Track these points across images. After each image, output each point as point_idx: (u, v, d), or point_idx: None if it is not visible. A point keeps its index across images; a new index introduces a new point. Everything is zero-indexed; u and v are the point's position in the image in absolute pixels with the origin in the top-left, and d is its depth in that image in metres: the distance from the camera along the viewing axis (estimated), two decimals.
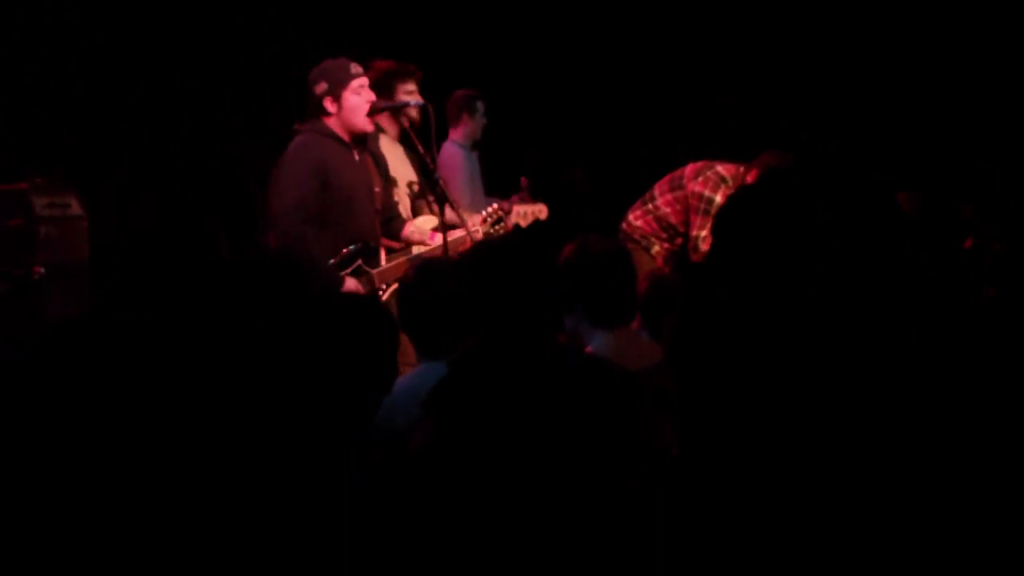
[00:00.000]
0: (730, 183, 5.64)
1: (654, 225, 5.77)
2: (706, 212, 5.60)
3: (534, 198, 5.64)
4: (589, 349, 3.32)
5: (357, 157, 4.77)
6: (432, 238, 4.92)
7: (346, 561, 2.13)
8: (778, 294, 1.76)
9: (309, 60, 4.96)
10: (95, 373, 2.11)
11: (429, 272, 3.18)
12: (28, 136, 5.99)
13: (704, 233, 5.58)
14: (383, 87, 5.10)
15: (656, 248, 5.75)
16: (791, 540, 2.04)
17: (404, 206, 5.25)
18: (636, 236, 5.74)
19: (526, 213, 5.32)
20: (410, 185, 5.34)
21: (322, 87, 4.71)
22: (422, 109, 4.98)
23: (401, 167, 5.32)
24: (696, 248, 5.61)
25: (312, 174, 4.64)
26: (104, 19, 6.42)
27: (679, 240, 5.76)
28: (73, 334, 2.18)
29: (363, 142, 4.84)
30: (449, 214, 4.93)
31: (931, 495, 1.84)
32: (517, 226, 5.31)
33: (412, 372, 3.23)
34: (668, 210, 5.74)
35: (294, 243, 4.59)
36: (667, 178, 5.80)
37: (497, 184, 6.20)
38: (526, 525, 2.29)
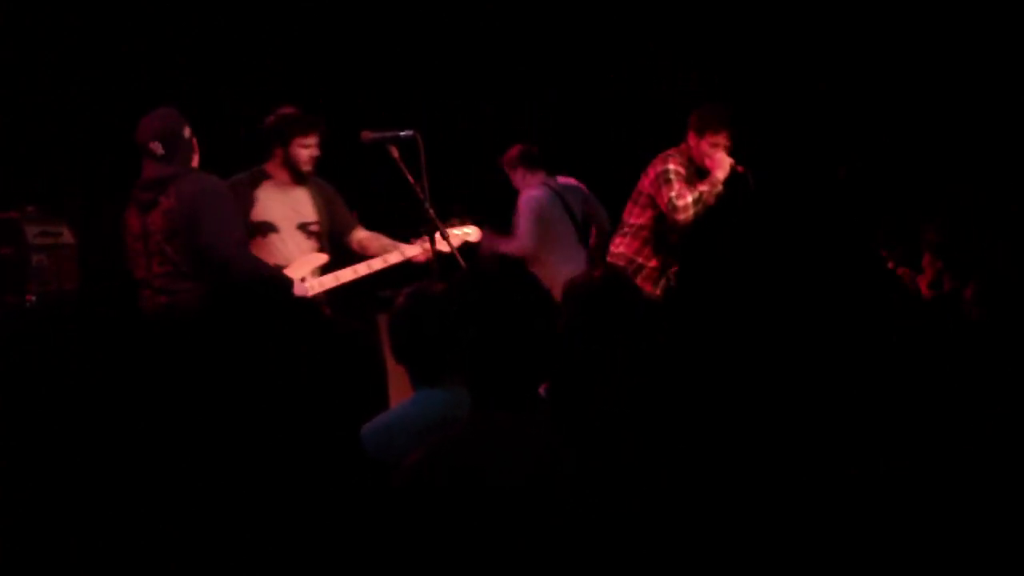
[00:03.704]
0: (675, 155, 5.78)
1: (635, 244, 5.85)
2: (667, 181, 5.71)
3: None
4: None
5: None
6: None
7: None
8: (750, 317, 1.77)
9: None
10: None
11: (418, 300, 3.17)
12: (20, 165, 6.02)
13: (674, 193, 5.64)
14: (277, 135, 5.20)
15: (644, 271, 5.80)
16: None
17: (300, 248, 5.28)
18: (622, 264, 5.80)
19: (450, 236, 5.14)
20: (304, 227, 5.31)
21: None
22: (411, 140, 5.03)
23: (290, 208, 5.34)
24: (674, 208, 5.64)
25: None
26: (97, 48, 6.46)
27: (661, 256, 5.82)
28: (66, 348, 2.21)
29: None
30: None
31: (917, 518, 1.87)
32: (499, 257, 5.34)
33: (408, 400, 3.22)
34: (641, 220, 5.84)
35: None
36: (629, 200, 5.94)
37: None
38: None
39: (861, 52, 6.96)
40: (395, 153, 5.01)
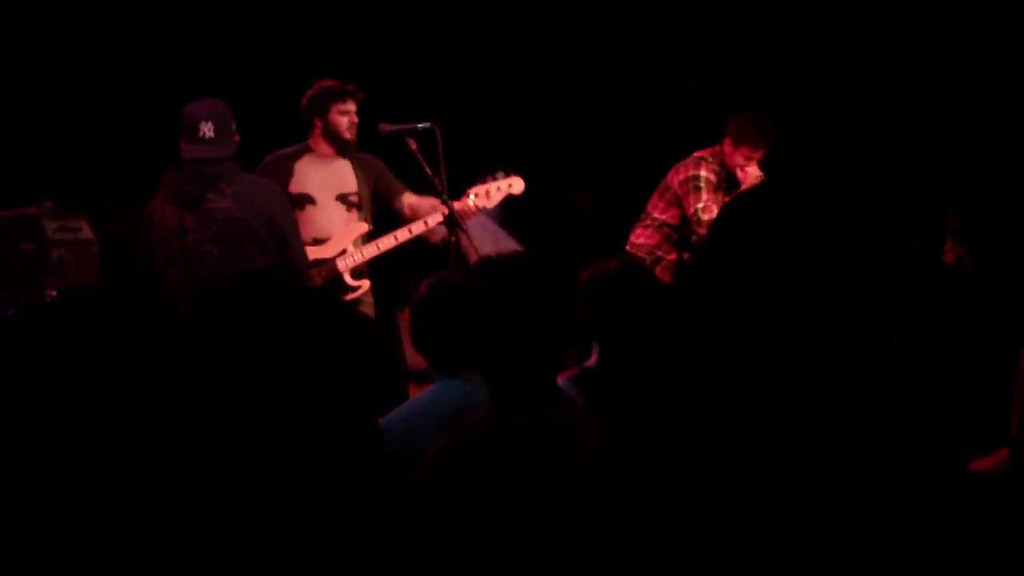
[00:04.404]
0: (709, 159, 5.75)
1: (656, 237, 5.84)
2: (696, 188, 5.67)
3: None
4: (591, 361, 3.36)
5: None
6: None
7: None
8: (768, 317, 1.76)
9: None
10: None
11: (439, 290, 3.16)
12: (38, 161, 6.04)
13: (702, 205, 5.60)
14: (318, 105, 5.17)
15: (663, 263, 5.79)
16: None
17: (339, 219, 5.26)
18: (642, 254, 5.79)
19: (488, 192, 5.19)
20: (344, 197, 5.29)
21: None
22: (429, 131, 5.02)
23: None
24: (699, 221, 5.60)
25: None
26: (116, 45, 6.48)
27: (682, 251, 5.80)
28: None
29: None
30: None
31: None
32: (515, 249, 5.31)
33: (427, 391, 3.23)
34: (665, 216, 5.82)
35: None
36: (655, 192, 5.87)
37: None
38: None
39: (861, 51, 6.93)
40: (413, 145, 5.01)
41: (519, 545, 2.30)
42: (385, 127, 5.08)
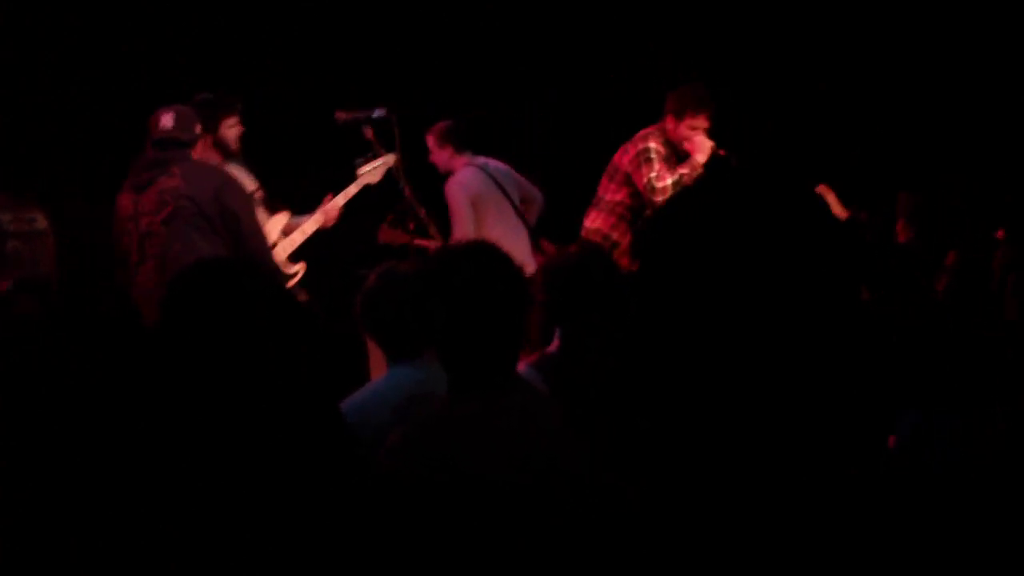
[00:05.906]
0: (655, 132, 5.71)
1: (611, 219, 5.79)
2: (647, 160, 5.62)
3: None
4: (552, 348, 3.38)
5: None
6: None
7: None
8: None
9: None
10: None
11: (390, 277, 3.18)
12: None
13: (654, 174, 5.55)
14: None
15: (619, 248, 5.77)
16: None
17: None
18: (596, 239, 5.76)
19: (373, 169, 5.30)
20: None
21: None
22: (384, 121, 5.02)
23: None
24: (652, 189, 5.53)
25: None
26: (72, 36, 6.43)
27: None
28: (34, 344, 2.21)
29: None
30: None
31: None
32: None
33: (382, 377, 3.25)
34: (618, 197, 5.78)
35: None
36: (604, 176, 5.86)
37: None
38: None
39: (860, 52, 6.97)
40: (370, 134, 5.01)
41: (487, 531, 2.30)
42: (341, 115, 5.08)
